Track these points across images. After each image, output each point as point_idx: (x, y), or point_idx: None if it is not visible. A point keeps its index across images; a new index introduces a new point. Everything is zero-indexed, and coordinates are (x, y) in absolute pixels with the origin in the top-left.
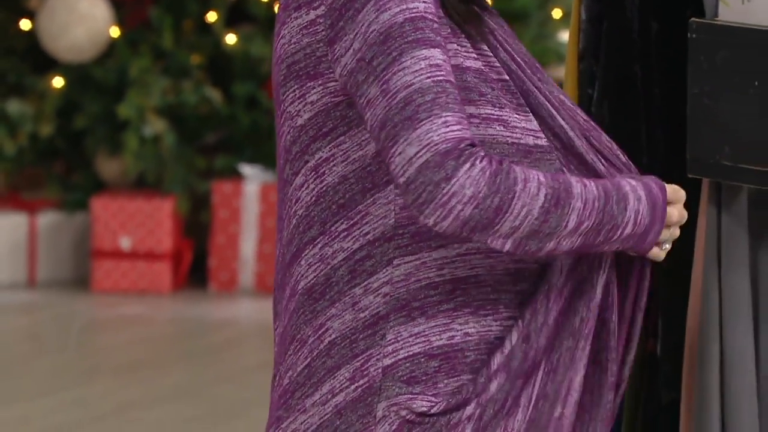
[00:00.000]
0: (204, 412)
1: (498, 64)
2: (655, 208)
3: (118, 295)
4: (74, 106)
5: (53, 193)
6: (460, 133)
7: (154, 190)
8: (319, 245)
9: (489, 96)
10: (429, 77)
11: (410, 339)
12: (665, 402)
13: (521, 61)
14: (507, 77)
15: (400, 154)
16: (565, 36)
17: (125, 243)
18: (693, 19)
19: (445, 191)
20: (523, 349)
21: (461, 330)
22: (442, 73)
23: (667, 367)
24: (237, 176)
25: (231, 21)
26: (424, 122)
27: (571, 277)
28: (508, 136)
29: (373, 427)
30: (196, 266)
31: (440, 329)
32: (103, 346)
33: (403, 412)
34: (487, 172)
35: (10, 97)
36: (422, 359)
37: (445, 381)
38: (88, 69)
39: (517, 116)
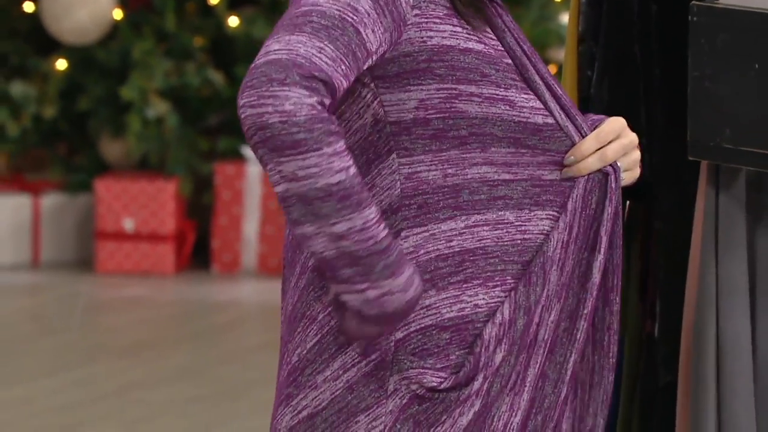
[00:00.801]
0: (207, 392)
1: (502, 48)
2: (394, 315)
3: (122, 276)
4: (77, 88)
5: (56, 175)
6: (327, 66)
7: (157, 171)
8: None
9: (493, 77)
10: (339, 11)
11: (421, 312)
12: (662, 383)
13: (527, 50)
14: (510, 61)
15: (266, 46)
16: (566, 18)
17: (128, 224)
18: (694, 2)
19: (270, 89)
20: (524, 321)
21: (471, 302)
22: (355, 17)
23: (664, 349)
24: (239, 158)
25: (233, 3)
26: (303, 35)
27: (567, 253)
28: (514, 115)
29: (384, 400)
30: (198, 248)
31: (450, 301)
32: (106, 327)
33: (414, 386)
34: (315, 112)
35: (13, 79)
36: (434, 332)
37: (457, 353)
38: (92, 51)
39: (524, 96)
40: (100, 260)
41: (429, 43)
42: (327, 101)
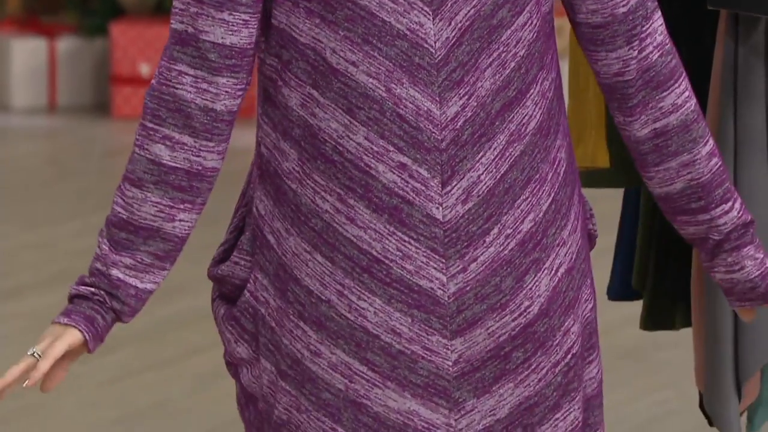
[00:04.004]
0: (224, 238)
1: None
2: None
3: (139, 121)
4: None
5: (72, 18)
6: None
7: None
8: (540, 81)
9: None
10: None
11: None
12: (678, 234)
13: None
14: None
15: None
16: None
17: (144, 69)
18: None
19: (642, 28)
20: None
21: None
22: None
23: None
24: None
25: None
26: None
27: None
28: None
29: (588, 248)
30: None
31: None
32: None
33: (589, 226)
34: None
35: None
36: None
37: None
38: None
39: None
40: (116, 105)
41: None
42: None
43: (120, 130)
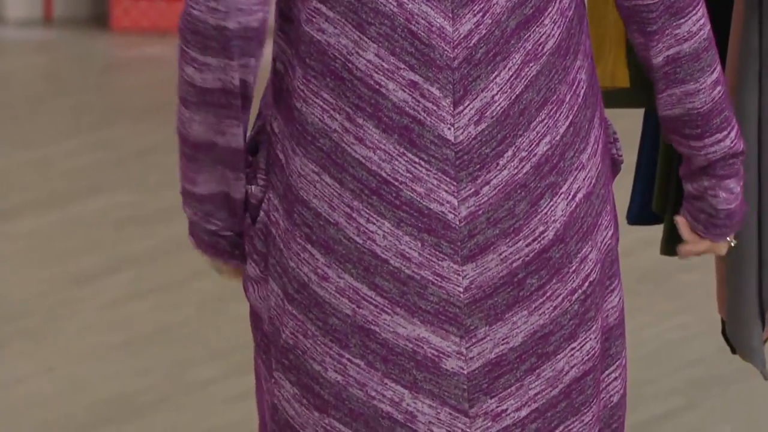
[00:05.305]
0: None
1: None
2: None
3: (138, 34)
4: None
5: None
6: None
7: None
8: None
9: None
10: None
11: None
12: None
13: None
14: None
15: None
16: None
17: None
18: None
19: None
20: None
21: None
22: None
23: None
24: None
25: None
26: None
27: None
28: None
29: (610, 174)
30: None
31: None
32: (123, 88)
33: (613, 151)
34: None
35: None
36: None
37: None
38: None
39: None
40: (115, 17)
41: None
42: None
43: (119, 43)
